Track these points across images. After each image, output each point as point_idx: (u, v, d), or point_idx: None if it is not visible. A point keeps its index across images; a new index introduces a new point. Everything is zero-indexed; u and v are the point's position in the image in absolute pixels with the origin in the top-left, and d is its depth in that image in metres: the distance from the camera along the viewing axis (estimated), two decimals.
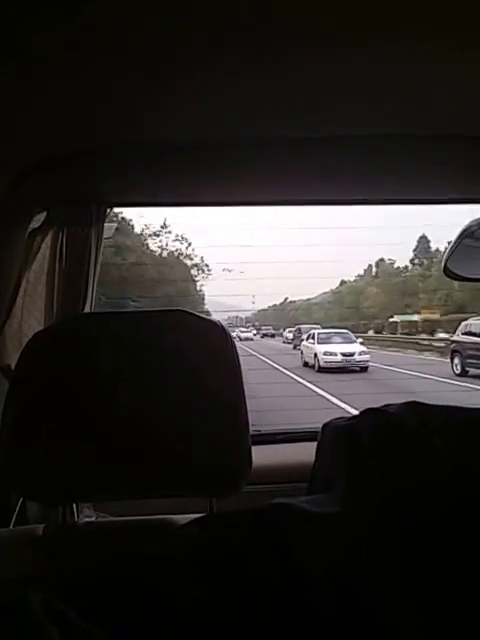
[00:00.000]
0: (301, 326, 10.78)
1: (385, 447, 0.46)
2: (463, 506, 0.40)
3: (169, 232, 10.29)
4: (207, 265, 10.86)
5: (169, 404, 0.66)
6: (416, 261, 14.47)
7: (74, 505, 0.79)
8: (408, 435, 0.46)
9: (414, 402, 0.50)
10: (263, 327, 14.01)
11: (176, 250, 10.53)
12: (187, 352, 0.67)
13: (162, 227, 10.24)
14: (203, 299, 11.80)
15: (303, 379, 7.23)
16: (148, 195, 1.16)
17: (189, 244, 10.56)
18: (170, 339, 0.68)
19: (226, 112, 0.86)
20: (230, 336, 0.70)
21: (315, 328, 9.62)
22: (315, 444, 0.61)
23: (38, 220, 1.07)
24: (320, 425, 0.60)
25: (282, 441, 1.35)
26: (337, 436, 0.53)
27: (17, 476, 0.68)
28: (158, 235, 10.30)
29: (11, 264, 1.04)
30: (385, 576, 0.37)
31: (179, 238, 10.41)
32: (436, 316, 11.49)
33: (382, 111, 0.85)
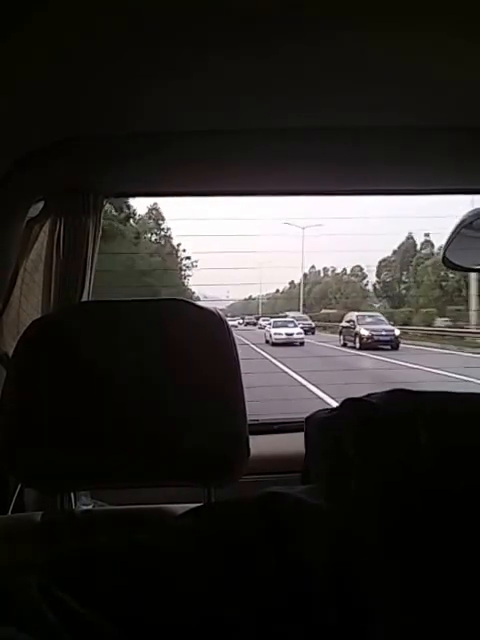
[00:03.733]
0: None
1: (365, 439, 0.46)
2: (442, 493, 0.41)
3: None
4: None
5: (167, 393, 0.66)
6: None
7: (72, 493, 0.79)
8: (389, 426, 0.46)
9: (399, 390, 0.50)
10: (246, 317, 19.23)
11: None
12: (185, 341, 0.67)
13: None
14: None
15: (260, 349, 12.16)
16: (146, 185, 1.15)
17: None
18: (168, 328, 0.68)
19: (225, 101, 0.85)
20: (228, 325, 0.69)
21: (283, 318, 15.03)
22: None
23: (36, 209, 1.07)
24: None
25: (279, 431, 1.35)
26: (319, 429, 0.53)
27: (16, 464, 0.68)
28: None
29: (9, 253, 1.04)
30: (372, 561, 0.38)
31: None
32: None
33: (381, 101, 0.85)
